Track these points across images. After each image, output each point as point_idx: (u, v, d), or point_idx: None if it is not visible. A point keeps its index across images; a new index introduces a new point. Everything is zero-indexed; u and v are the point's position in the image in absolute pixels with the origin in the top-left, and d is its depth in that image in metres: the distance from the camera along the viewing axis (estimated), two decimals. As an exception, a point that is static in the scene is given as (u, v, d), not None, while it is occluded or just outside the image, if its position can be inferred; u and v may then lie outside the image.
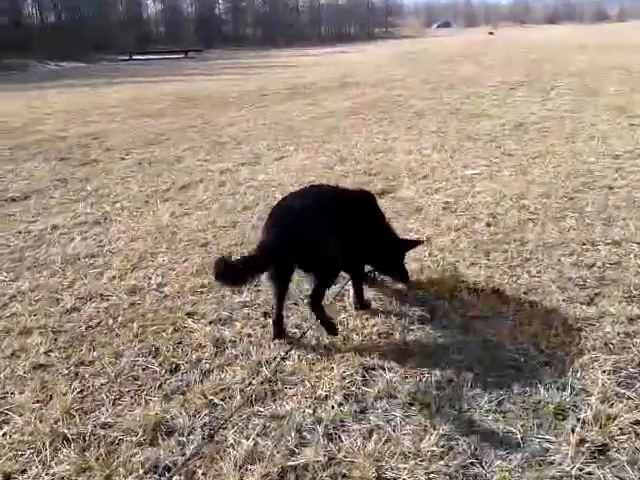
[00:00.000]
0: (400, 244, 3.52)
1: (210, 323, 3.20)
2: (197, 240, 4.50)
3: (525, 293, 3.40)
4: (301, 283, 3.48)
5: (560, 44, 30.06)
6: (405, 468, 2.14)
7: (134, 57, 40.16)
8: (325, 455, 2.21)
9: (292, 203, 3.06)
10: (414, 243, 3.66)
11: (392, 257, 3.47)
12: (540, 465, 2.14)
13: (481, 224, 4.61)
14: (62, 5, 49.19)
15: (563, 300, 3.28)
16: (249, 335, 3.05)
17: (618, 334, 2.91)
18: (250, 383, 2.63)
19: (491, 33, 57.41)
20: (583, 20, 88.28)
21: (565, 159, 6.65)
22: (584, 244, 4.12)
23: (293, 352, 2.87)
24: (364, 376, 2.67)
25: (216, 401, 2.54)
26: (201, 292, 3.59)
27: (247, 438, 2.30)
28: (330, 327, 2.97)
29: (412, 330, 3.05)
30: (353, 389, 2.59)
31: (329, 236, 2.94)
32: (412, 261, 3.81)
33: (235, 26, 66.05)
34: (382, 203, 4.54)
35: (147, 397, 2.59)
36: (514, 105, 10.76)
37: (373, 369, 2.72)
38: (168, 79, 21.21)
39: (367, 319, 3.18)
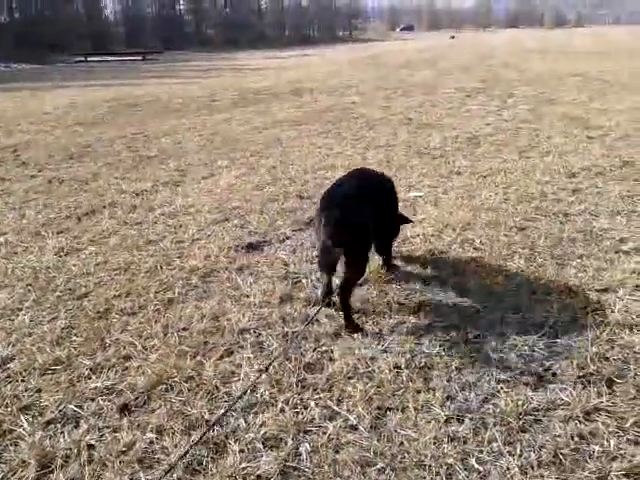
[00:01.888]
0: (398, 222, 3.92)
1: (47, 424, 2.44)
2: (75, 289, 3.72)
3: (458, 369, 2.72)
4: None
5: (519, 49, 29.88)
6: None
7: (89, 59, 38.76)
8: None
9: (341, 191, 3.32)
10: (405, 220, 4.00)
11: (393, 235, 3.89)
12: None
13: (416, 264, 3.94)
14: (16, 3, 47.47)
15: (503, 381, 2.61)
16: (91, 447, 2.29)
17: (572, 438, 2.24)
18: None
19: (452, 37, 57.34)
20: (543, 24, 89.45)
21: (517, 178, 6.06)
22: (534, 293, 3.48)
23: (142, 476, 2.12)
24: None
25: None
26: (53, 371, 2.82)
27: None
28: (352, 327, 3.10)
29: (307, 433, 2.33)
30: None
31: (371, 229, 3.24)
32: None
33: (197, 27, 64.82)
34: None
35: None
36: (469, 115, 10.19)
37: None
38: (118, 82, 20.19)
39: (255, 414, 2.46)
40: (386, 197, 3.72)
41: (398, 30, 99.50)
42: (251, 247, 4.31)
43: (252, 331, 3.10)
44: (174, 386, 2.64)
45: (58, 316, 3.36)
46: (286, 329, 3.10)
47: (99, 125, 10.55)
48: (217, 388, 2.61)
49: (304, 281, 3.68)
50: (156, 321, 3.24)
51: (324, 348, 2.94)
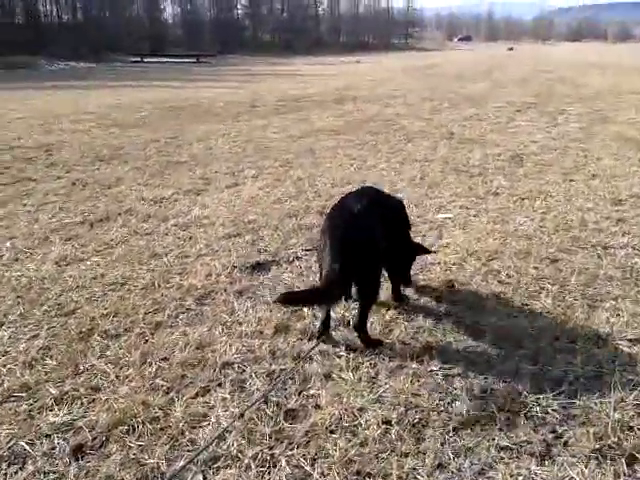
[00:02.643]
0: (414, 248, 3.66)
1: (-9, 462, 2.23)
2: (64, 305, 3.52)
3: (455, 430, 2.38)
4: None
5: (579, 63, 28.98)
6: None
7: (145, 60, 39.51)
8: None
9: (352, 218, 3.00)
10: (425, 250, 3.77)
11: (408, 261, 3.62)
12: None
13: (431, 297, 3.61)
14: (79, 4, 48.91)
15: (505, 449, 2.26)
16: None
17: (577, 530, 1.89)
18: None
19: (511, 49, 56.41)
20: (607, 38, 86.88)
21: (558, 203, 5.65)
22: (557, 339, 3.11)
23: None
24: None
25: None
26: (16, 398, 2.61)
27: None
28: (377, 344, 3.01)
29: (270, 498, 2.05)
30: None
31: (381, 258, 3.05)
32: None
33: (254, 32, 65.54)
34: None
35: None
36: (515, 131, 9.75)
37: None
38: (166, 84, 20.39)
39: (217, 469, 2.19)
40: (395, 216, 3.46)
41: (455, 40, 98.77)
42: (257, 267, 4.06)
43: (236, 366, 2.83)
44: (136, 427, 2.39)
45: (39, 334, 3.16)
46: (274, 366, 2.81)
47: (137, 127, 10.52)
48: (182, 433, 2.35)
49: (305, 309, 3.40)
50: (137, 347, 3.00)
51: (311, 392, 2.64)
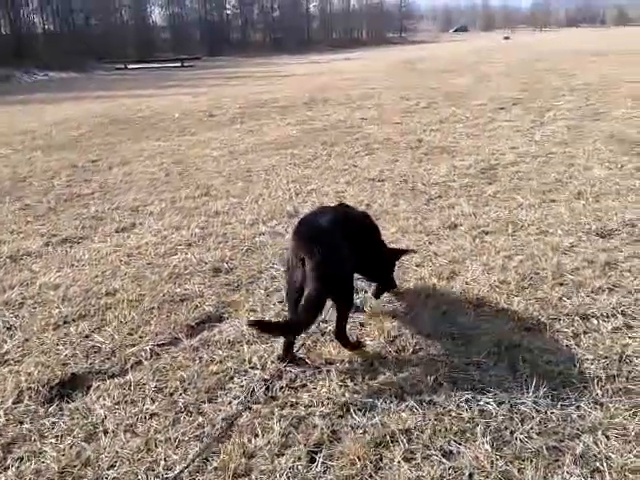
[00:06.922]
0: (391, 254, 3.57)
1: None
2: None
3: None
4: None
5: (574, 51, 27.55)
6: None
7: (129, 67, 38.33)
8: None
9: (323, 235, 2.88)
10: (403, 252, 3.71)
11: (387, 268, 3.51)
12: None
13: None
14: (64, 13, 47.70)
15: None
16: None
17: None
18: None
19: (507, 38, 54.89)
20: (605, 23, 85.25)
21: (529, 240, 4.38)
22: None
23: None
24: None
25: None
26: None
27: None
28: (359, 347, 2.99)
29: None
30: None
31: (352, 269, 3.04)
32: None
33: (244, 32, 64.32)
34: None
35: None
36: (494, 134, 8.43)
37: None
38: (131, 93, 19.09)
39: None
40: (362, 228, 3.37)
41: (451, 31, 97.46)
42: (68, 385, 2.74)
43: None
44: None
45: None
46: None
47: (64, 149, 9.21)
48: None
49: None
50: None
51: None
